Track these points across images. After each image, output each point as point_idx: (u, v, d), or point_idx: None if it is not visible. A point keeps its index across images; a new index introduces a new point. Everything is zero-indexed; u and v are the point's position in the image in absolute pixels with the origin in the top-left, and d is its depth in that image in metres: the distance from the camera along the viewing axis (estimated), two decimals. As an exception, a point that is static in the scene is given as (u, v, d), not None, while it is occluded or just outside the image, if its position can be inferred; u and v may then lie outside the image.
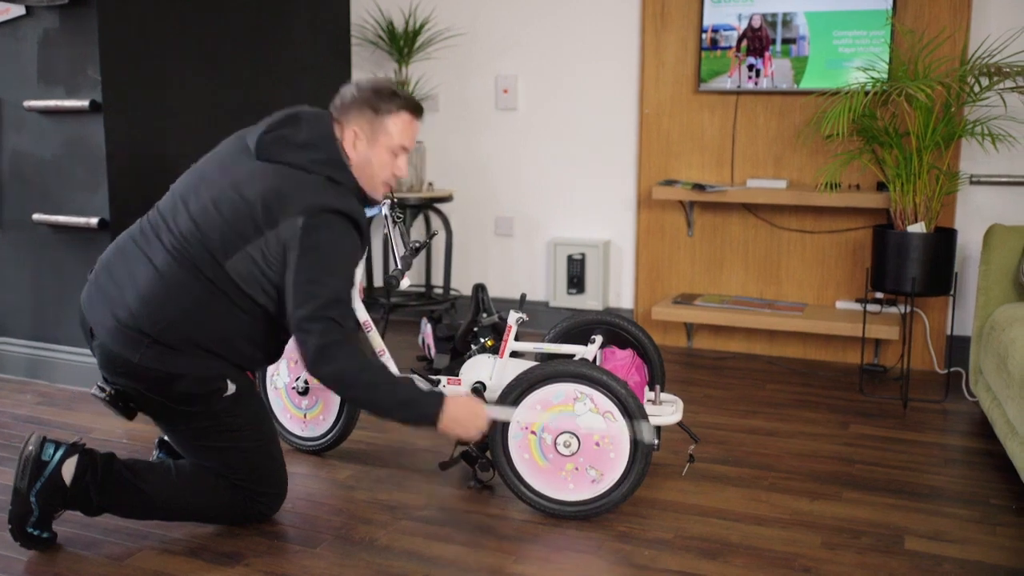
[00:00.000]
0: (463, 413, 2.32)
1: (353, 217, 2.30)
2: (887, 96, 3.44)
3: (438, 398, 2.31)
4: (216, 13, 3.86)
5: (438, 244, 4.56)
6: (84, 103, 3.41)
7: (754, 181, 4.03)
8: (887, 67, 3.67)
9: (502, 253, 4.66)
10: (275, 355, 2.47)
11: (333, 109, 2.41)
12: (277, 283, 2.26)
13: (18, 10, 3.53)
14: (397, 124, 2.38)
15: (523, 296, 3.01)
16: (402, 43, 4.40)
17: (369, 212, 2.82)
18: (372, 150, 2.37)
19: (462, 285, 4.64)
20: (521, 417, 2.49)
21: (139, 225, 2.38)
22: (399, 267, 2.70)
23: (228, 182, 2.29)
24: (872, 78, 3.54)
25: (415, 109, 2.43)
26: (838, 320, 3.84)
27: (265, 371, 3.04)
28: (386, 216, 2.78)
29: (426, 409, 2.29)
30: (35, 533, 2.27)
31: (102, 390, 2.32)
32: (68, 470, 2.25)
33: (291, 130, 2.33)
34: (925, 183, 3.46)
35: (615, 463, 2.45)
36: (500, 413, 2.48)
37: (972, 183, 3.77)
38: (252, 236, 2.23)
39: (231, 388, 2.32)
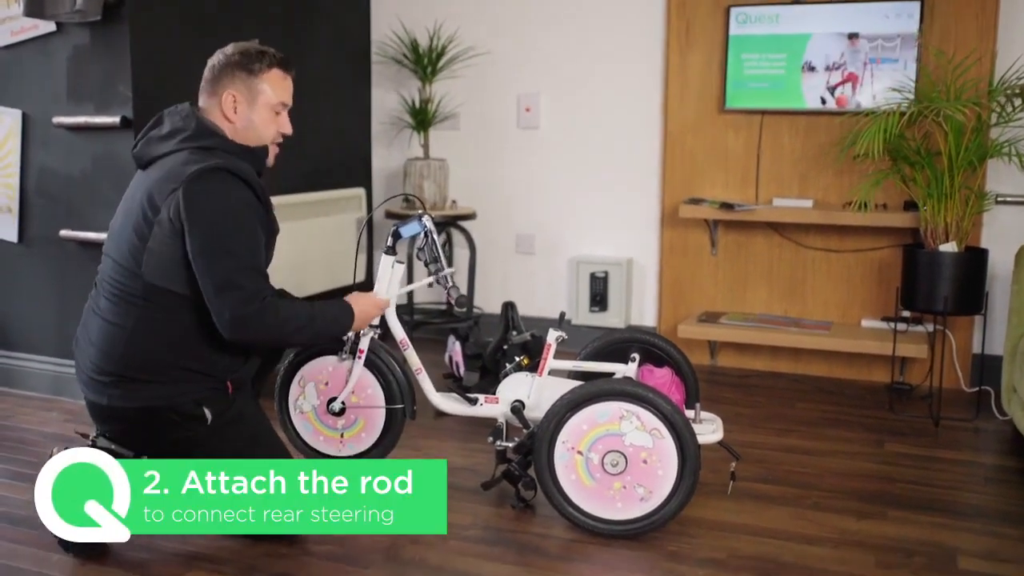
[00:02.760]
0: (365, 306, 2.53)
1: (233, 171, 2.29)
2: (919, 117, 3.45)
3: (347, 308, 2.47)
4: (245, 30, 3.85)
5: (461, 262, 4.54)
6: (115, 119, 3.41)
7: (780, 200, 4.04)
8: (914, 87, 3.69)
9: (524, 271, 4.65)
10: (248, 349, 2.43)
11: (204, 84, 2.44)
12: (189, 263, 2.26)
13: (48, 26, 3.52)
14: (272, 81, 2.42)
15: (562, 314, 3.01)
16: (426, 62, 4.40)
17: (409, 231, 2.80)
18: (253, 111, 2.41)
19: (483, 302, 4.62)
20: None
21: (92, 291, 2.44)
22: (453, 284, 2.69)
23: (127, 208, 2.36)
24: (905, 98, 3.56)
25: (285, 64, 2.46)
26: (864, 338, 3.85)
27: (286, 399, 2.95)
28: (428, 232, 2.76)
29: (345, 322, 2.47)
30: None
31: (85, 436, 2.39)
32: None
33: (155, 129, 2.40)
34: (956, 203, 3.47)
35: (663, 481, 2.44)
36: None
37: (998, 202, 3.78)
38: (147, 232, 2.26)
39: (208, 415, 2.32)
